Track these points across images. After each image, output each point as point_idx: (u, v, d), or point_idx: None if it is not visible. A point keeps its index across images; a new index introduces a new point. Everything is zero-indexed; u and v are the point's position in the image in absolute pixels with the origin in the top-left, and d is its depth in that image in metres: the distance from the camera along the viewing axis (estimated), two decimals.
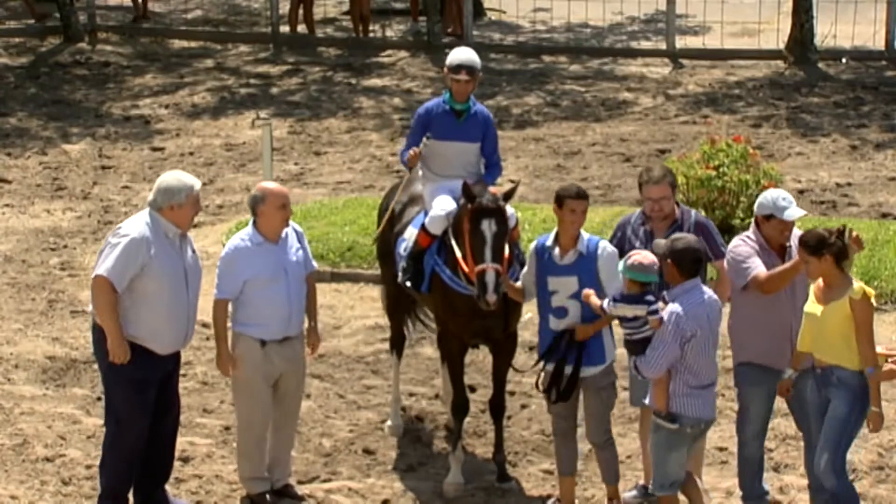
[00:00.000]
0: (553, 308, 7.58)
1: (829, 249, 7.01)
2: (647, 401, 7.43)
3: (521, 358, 9.20)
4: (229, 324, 7.86)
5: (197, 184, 7.66)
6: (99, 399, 9.45)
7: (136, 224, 7.54)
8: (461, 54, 8.52)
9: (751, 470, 7.67)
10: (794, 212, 7.41)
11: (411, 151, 8.48)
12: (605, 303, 7.35)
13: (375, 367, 9.93)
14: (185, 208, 7.55)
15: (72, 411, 9.25)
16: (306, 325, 8.03)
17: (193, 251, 7.80)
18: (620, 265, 7.33)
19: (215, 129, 15.70)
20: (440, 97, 8.62)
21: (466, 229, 7.83)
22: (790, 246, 7.45)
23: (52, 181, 14.08)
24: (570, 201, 7.55)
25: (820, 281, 7.17)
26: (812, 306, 7.15)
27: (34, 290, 11.37)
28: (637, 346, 7.24)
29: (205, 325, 9.24)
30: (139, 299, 7.49)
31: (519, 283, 7.85)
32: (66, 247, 12.35)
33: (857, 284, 7.09)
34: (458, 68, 8.40)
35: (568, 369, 7.58)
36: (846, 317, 6.99)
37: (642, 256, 7.26)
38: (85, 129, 15.74)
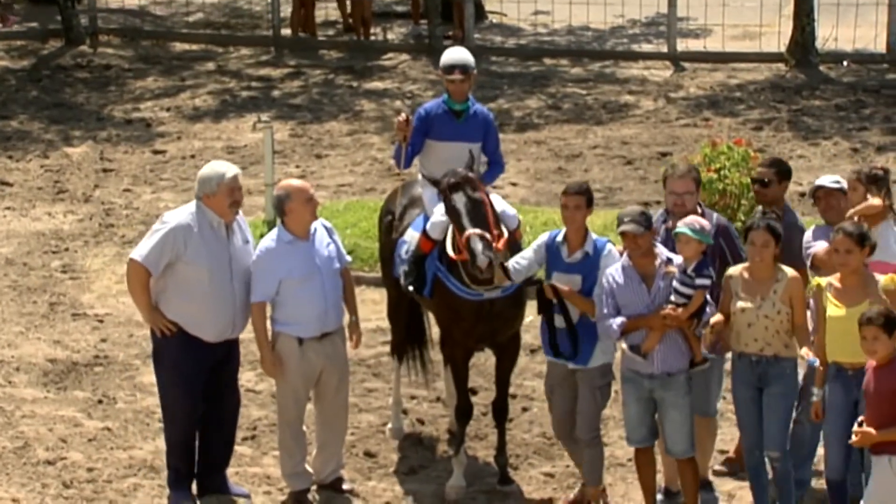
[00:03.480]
0: (555, 304, 7.58)
1: (871, 242, 7.16)
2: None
3: (523, 361, 9.20)
4: (269, 325, 7.96)
5: (230, 171, 7.88)
6: (100, 402, 9.47)
7: (179, 213, 7.90)
8: (453, 54, 8.51)
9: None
10: None
11: (401, 116, 8.45)
12: (675, 283, 7.34)
13: (377, 370, 9.92)
14: (218, 196, 7.81)
15: (73, 414, 9.25)
16: (346, 320, 8.08)
17: (246, 241, 8.00)
18: (680, 227, 7.42)
19: (217, 132, 15.70)
20: (440, 98, 8.61)
21: (446, 209, 7.84)
22: None
23: (53, 184, 14.07)
24: (563, 197, 7.65)
25: (836, 283, 7.18)
26: (839, 311, 7.14)
27: (35, 293, 11.37)
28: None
29: None
30: (181, 286, 7.80)
31: (512, 263, 7.78)
32: (67, 250, 12.35)
33: (886, 276, 7.15)
34: (450, 68, 8.40)
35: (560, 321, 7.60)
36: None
37: (697, 218, 7.50)
38: (86, 131, 15.74)
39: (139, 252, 7.82)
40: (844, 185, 7.84)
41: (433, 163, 8.50)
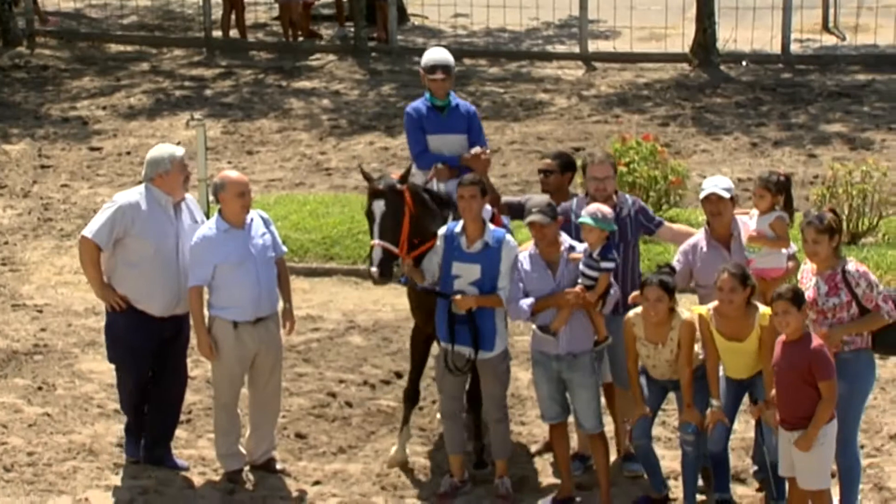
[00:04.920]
0: (453, 292, 7.62)
1: (752, 283, 7.22)
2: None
3: None
4: (206, 309, 7.93)
5: (179, 151, 8.04)
6: (40, 389, 9.37)
7: (128, 194, 8.01)
8: (435, 55, 8.60)
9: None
10: None
11: (438, 165, 8.35)
12: (582, 266, 7.42)
13: (307, 356, 9.91)
14: (172, 174, 7.92)
15: (13, 401, 9.15)
16: (281, 306, 8.06)
17: (194, 220, 8.04)
18: (583, 217, 7.47)
19: (151, 130, 15.57)
20: (422, 97, 8.63)
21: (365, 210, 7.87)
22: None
23: None
24: (458, 188, 7.69)
25: (713, 310, 7.25)
26: (730, 344, 7.23)
27: None
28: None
29: None
30: (129, 260, 7.87)
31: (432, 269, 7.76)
32: (6, 243, 12.19)
33: (763, 308, 7.20)
34: (433, 68, 8.50)
35: (466, 351, 7.63)
36: (758, 335, 7.19)
37: (600, 206, 7.55)
38: (24, 129, 15.54)
39: (89, 229, 7.89)
40: (733, 192, 7.71)
41: None
